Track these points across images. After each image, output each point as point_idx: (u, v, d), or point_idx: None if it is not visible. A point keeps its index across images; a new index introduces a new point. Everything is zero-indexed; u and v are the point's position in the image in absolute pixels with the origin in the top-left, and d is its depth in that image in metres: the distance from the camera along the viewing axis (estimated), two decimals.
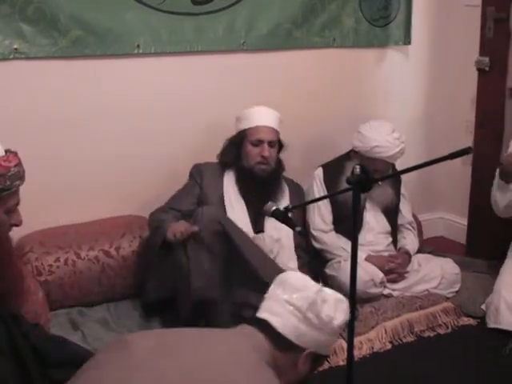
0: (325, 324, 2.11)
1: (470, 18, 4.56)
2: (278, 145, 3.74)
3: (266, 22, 4.12)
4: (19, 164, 2.56)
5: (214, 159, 3.82)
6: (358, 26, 4.48)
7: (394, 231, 4.15)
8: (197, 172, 3.76)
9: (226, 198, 3.67)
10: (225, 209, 3.64)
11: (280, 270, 3.10)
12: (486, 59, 4.43)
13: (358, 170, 2.36)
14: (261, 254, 3.44)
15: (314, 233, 4.00)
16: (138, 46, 3.76)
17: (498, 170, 3.74)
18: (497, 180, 3.77)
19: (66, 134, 3.70)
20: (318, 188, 4.00)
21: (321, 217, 3.99)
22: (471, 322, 3.79)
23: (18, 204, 2.56)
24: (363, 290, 3.70)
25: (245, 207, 3.67)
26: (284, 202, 3.67)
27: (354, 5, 4.43)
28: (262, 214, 3.05)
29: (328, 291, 2.17)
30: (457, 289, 3.98)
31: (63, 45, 3.56)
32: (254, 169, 3.66)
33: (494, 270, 4.01)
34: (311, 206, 3.99)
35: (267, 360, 2.03)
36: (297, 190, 3.90)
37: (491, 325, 3.67)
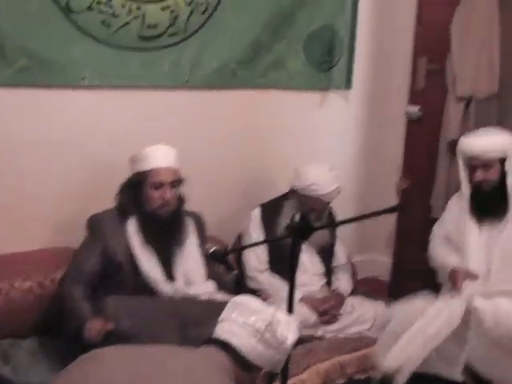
0: (280, 344, 2.16)
1: (406, 67, 4.70)
2: (179, 181, 3.54)
3: (211, 60, 4.16)
4: None
5: None
6: (302, 69, 4.56)
7: (329, 273, 4.19)
8: (95, 226, 3.51)
9: (132, 250, 3.44)
10: (133, 261, 3.43)
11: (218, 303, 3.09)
12: (416, 109, 4.54)
13: (297, 217, 2.40)
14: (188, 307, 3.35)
15: (250, 273, 4.01)
16: (84, 78, 3.76)
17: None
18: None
19: (7, 160, 3.68)
20: (255, 228, 4.02)
21: (256, 257, 4.01)
22: None
23: None
24: None
25: (153, 254, 3.46)
26: (192, 237, 3.61)
27: (299, 48, 4.51)
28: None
29: (280, 313, 2.22)
30: None
31: (9, 73, 3.55)
32: (157, 212, 3.46)
33: None
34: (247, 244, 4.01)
35: (231, 378, 2.09)
36: (199, 221, 3.75)
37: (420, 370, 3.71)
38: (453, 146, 4.35)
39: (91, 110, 3.86)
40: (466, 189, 3.78)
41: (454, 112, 4.38)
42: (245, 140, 4.40)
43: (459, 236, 3.78)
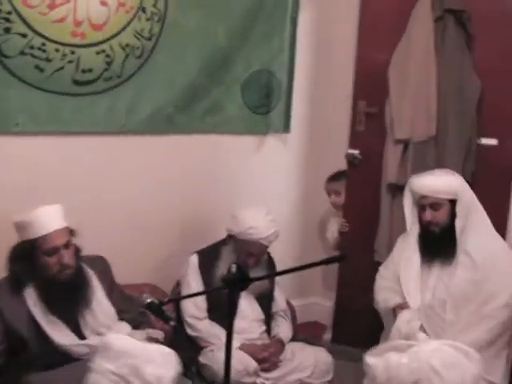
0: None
1: (346, 111, 4.71)
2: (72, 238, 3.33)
3: (147, 104, 4.12)
4: None
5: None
6: (240, 113, 4.56)
7: (268, 319, 4.14)
8: None
9: (37, 321, 3.19)
10: (40, 332, 3.18)
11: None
12: (356, 152, 4.56)
13: (233, 268, 2.36)
14: None
15: (189, 320, 3.92)
16: (17, 124, 3.68)
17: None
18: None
19: None
20: (193, 275, 3.94)
21: (195, 304, 3.93)
22: None
23: None
24: (236, 380, 3.63)
25: (60, 321, 3.23)
26: (97, 290, 3.40)
27: (237, 92, 4.52)
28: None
29: (153, 347, 2.14)
30: (329, 378, 3.99)
31: None
32: (56, 278, 3.22)
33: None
34: (185, 292, 3.94)
35: None
36: (102, 267, 3.53)
37: None
38: (392, 188, 4.42)
39: (24, 157, 3.75)
40: (414, 229, 3.83)
41: (392, 154, 4.40)
42: (182, 185, 4.35)
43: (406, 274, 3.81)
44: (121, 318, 3.44)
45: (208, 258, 3.95)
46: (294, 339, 4.20)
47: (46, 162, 3.83)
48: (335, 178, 4.82)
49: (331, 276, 4.97)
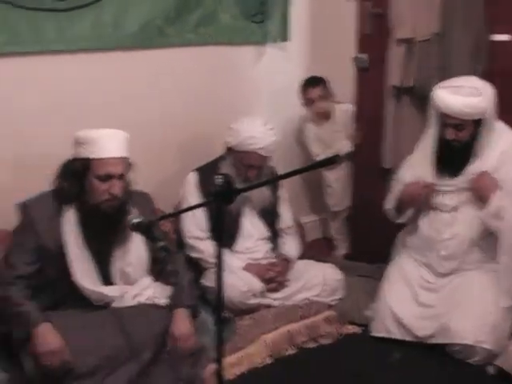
0: None
1: (350, 14, 4.45)
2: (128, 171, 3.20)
3: (134, 18, 3.86)
4: None
5: None
6: (235, 23, 4.32)
7: (274, 237, 4.00)
8: (26, 217, 3.10)
9: (66, 248, 3.06)
10: (65, 261, 3.06)
11: None
12: (365, 56, 4.33)
13: (219, 180, 2.16)
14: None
15: (189, 241, 3.80)
16: None
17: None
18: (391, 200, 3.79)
19: None
20: (192, 194, 3.80)
21: (196, 224, 3.80)
22: (356, 329, 3.73)
23: None
24: (242, 301, 3.60)
25: (89, 255, 3.11)
26: None
27: (230, 0, 4.25)
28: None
29: None
30: (340, 296, 3.90)
31: None
32: (101, 206, 3.07)
33: (378, 273, 3.92)
34: (185, 213, 3.78)
35: None
36: (144, 203, 3.33)
37: (375, 333, 3.60)
38: (397, 92, 4.24)
39: (3, 79, 3.52)
40: (432, 142, 3.63)
41: (395, 56, 4.19)
42: (178, 101, 4.15)
43: None
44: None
45: (206, 174, 3.76)
46: (302, 257, 4.08)
47: (29, 83, 3.60)
48: (314, 82, 4.59)
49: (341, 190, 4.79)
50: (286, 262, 3.90)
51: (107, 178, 3.04)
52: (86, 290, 3.10)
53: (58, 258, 3.07)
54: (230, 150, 3.79)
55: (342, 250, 4.80)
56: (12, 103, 3.54)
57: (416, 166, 3.71)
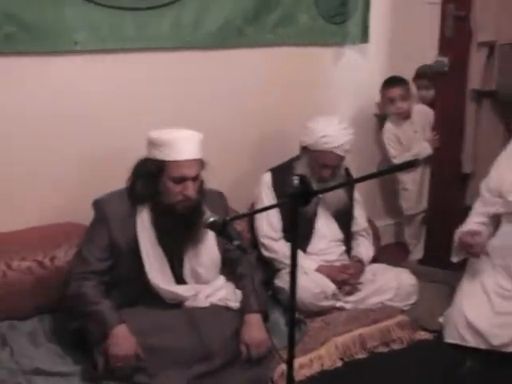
0: None
1: (431, 16, 4.40)
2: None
3: (214, 18, 3.90)
4: None
5: None
6: (314, 23, 4.30)
7: (348, 239, 3.97)
8: (100, 214, 3.17)
9: (140, 246, 3.12)
10: (140, 259, 3.12)
11: None
12: (445, 60, 4.27)
13: (296, 181, 2.16)
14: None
15: (263, 240, 3.80)
16: (76, 42, 3.51)
17: None
18: None
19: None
20: (267, 194, 3.81)
21: (270, 224, 3.79)
22: (427, 336, 3.66)
23: None
24: (314, 303, 3.57)
25: (163, 255, 3.15)
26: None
27: (309, 1, 4.24)
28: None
29: None
30: (413, 301, 3.84)
31: None
32: (176, 207, 3.10)
33: (453, 280, 3.85)
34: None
35: None
36: (217, 201, 3.37)
37: (448, 339, 3.53)
38: (477, 96, 4.16)
39: (85, 77, 3.61)
40: None
41: (476, 59, 4.13)
42: (253, 100, 4.15)
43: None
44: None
45: (281, 174, 3.76)
46: (375, 261, 4.04)
47: (108, 82, 3.68)
48: (395, 82, 4.56)
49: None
50: (359, 265, 3.87)
51: (182, 180, 3.07)
52: (161, 289, 3.14)
53: (129, 257, 3.12)
54: (305, 150, 3.77)
55: (416, 254, 4.73)
56: (90, 100, 3.63)
57: (503, 169, 3.62)
